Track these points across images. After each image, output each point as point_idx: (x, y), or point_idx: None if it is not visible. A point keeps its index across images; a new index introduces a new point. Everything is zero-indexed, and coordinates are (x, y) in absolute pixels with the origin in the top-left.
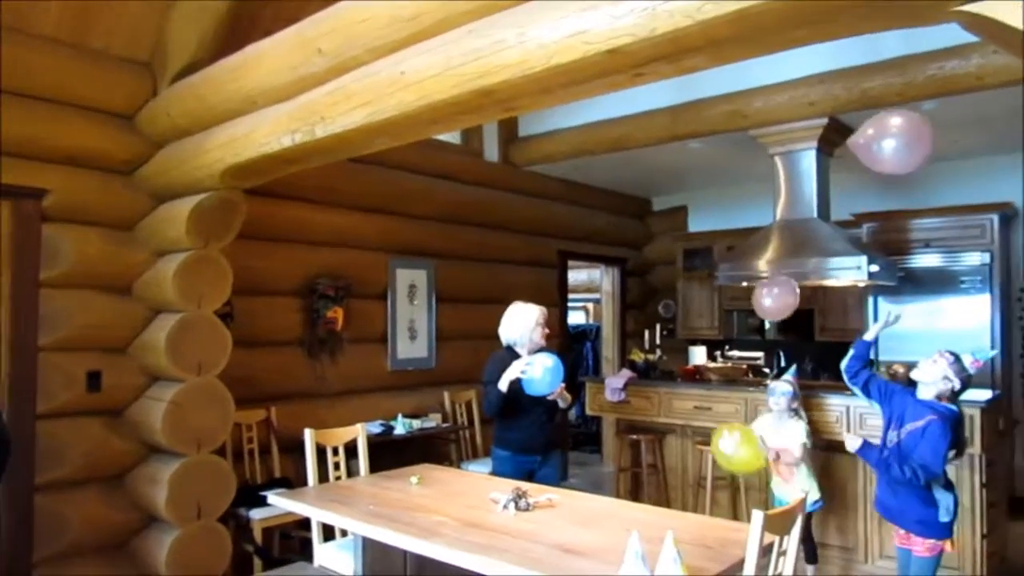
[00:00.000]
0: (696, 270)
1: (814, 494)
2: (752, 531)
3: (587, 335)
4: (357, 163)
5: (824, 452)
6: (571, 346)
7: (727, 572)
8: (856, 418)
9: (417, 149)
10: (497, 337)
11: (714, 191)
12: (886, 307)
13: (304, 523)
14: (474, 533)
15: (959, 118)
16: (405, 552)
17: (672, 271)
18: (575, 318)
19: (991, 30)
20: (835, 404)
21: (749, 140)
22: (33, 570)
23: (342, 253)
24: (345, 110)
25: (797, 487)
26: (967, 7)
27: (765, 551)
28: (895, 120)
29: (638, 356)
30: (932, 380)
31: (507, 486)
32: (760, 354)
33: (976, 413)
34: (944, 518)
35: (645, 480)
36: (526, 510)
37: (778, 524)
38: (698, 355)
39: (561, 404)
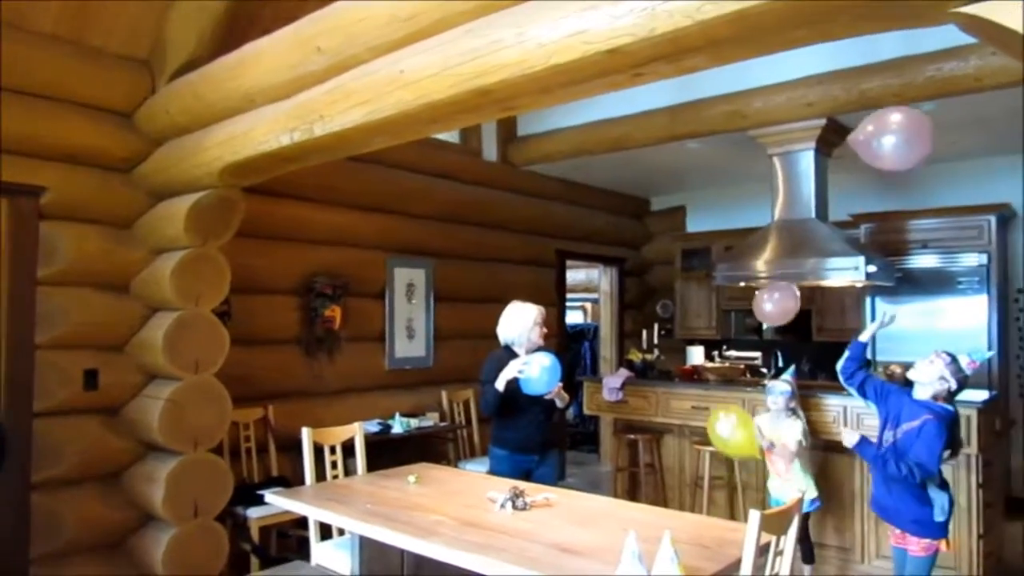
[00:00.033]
0: (694, 270)
1: (811, 493)
2: (749, 531)
3: (585, 335)
4: (356, 162)
5: (822, 452)
6: (569, 346)
7: (724, 572)
8: (853, 418)
9: (416, 148)
10: (495, 336)
11: (713, 191)
12: (883, 308)
13: (301, 522)
14: (471, 532)
15: (957, 119)
16: (402, 551)
17: (670, 271)
18: (573, 318)
19: (990, 32)
20: (832, 404)
21: (748, 140)
22: (30, 568)
23: (340, 252)
24: (344, 109)
25: (794, 486)
26: (966, 9)
27: (762, 551)
28: (895, 117)
29: (636, 356)
30: (929, 380)
31: (504, 485)
32: (758, 354)
33: (973, 413)
34: (939, 517)
35: (643, 480)
36: (523, 509)
37: (775, 524)
38: (696, 355)
39: (559, 404)
